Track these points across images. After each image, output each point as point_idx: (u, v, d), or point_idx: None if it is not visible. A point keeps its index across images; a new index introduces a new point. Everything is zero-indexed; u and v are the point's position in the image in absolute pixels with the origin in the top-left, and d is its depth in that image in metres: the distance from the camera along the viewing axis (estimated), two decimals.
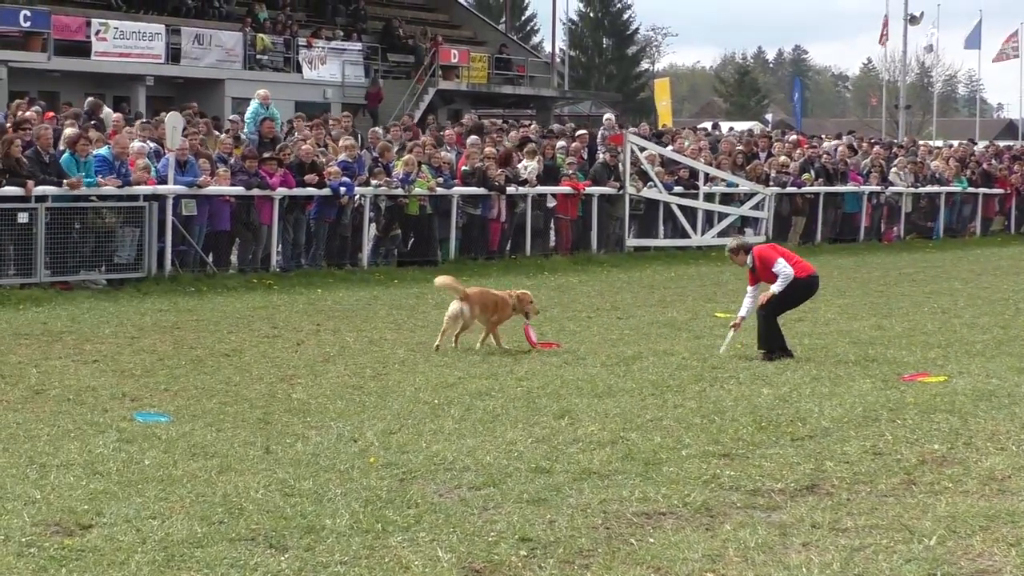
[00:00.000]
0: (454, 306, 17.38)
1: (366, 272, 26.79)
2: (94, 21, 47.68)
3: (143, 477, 10.56)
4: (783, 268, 17.08)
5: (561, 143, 34.65)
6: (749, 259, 17.42)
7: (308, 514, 9.59)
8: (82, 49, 46.97)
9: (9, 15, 44.81)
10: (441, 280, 18.12)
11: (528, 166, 31.13)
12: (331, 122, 33.79)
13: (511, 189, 30.14)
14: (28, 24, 45.35)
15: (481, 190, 29.59)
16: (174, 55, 49.75)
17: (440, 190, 28.78)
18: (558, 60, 73.27)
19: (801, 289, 17.47)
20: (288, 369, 15.91)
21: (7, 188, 22.18)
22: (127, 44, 48.36)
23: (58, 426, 12.40)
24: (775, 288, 17.14)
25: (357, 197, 27.39)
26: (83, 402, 13.62)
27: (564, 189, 31.57)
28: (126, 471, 10.74)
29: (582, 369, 16.21)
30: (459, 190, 29.30)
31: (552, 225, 31.99)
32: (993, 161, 45.28)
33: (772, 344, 17.22)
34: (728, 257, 18.17)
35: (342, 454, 11.50)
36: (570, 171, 32.10)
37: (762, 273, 17.37)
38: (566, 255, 31.15)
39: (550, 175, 31.72)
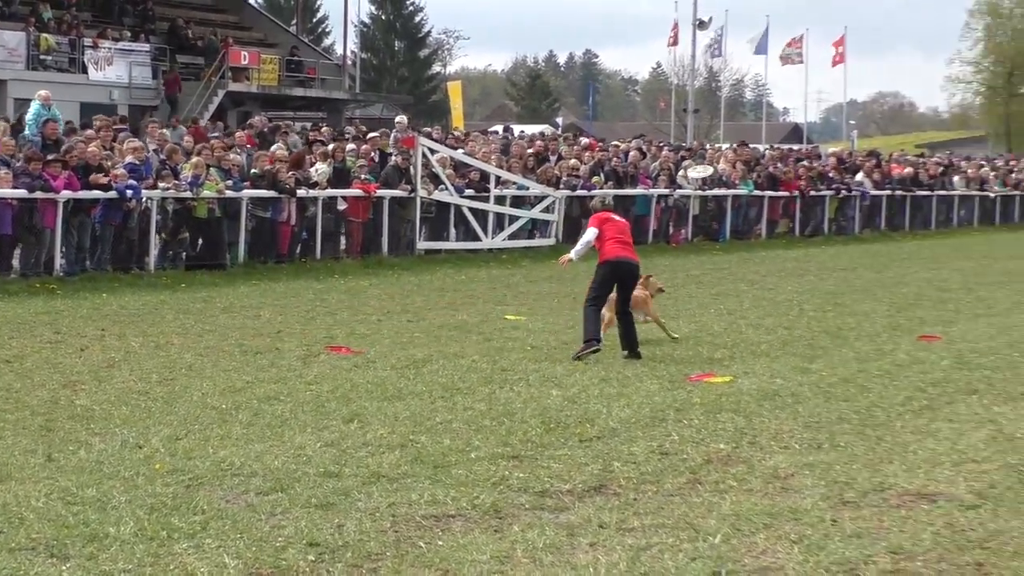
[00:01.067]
0: None
1: (153, 276, 26.43)
2: None
3: None
4: (584, 235, 18.08)
5: (351, 146, 34.59)
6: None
7: (91, 522, 9.45)
8: None
9: None
10: None
11: (319, 169, 31.00)
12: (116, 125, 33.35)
13: (301, 192, 29.98)
14: None
15: (271, 193, 29.39)
16: None
17: (229, 193, 28.53)
18: (349, 63, 73.13)
19: (606, 274, 17.85)
20: (71, 375, 15.65)
21: None
22: None
23: None
24: (571, 252, 18.51)
25: (144, 200, 27.01)
26: None
27: (355, 192, 31.48)
28: None
29: (372, 373, 16.19)
30: (248, 193, 29.06)
31: (343, 228, 31.86)
32: (779, 164, 46.10)
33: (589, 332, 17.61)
34: None
35: (127, 461, 11.35)
36: (361, 174, 32.04)
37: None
38: (357, 258, 31.06)
39: (341, 178, 31.63)
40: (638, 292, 18.70)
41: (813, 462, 11.85)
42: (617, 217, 18.97)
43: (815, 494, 10.76)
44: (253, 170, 29.77)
